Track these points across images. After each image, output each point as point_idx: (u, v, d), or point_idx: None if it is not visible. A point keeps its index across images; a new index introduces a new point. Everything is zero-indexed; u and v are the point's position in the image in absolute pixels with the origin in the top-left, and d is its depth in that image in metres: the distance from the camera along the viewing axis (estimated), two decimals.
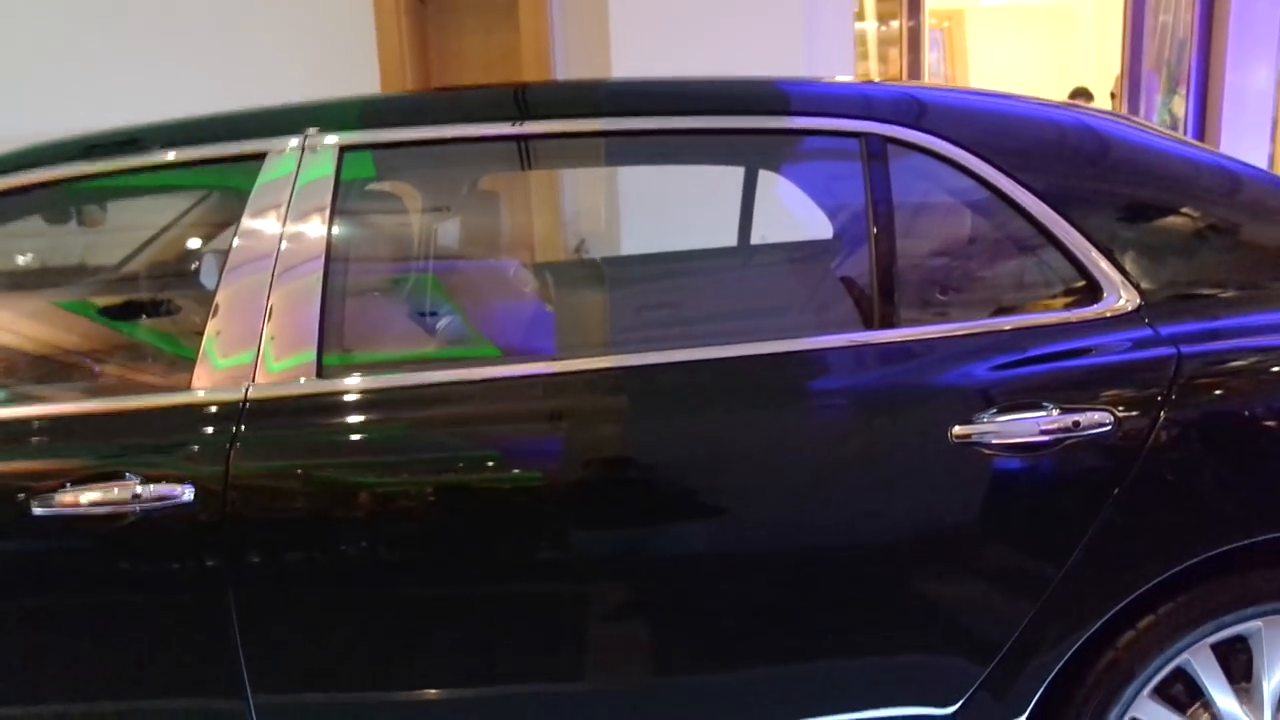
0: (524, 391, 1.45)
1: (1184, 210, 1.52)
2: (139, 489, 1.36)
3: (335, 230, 1.50)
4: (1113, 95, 6.54)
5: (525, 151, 1.73)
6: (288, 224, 1.48)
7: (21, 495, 1.37)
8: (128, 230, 2.06)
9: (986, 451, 1.35)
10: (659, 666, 1.45)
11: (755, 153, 1.96)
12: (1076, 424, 1.34)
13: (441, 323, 1.82)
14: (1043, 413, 1.35)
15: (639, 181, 2.62)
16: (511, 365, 1.50)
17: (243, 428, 1.40)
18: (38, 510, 1.36)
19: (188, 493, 1.36)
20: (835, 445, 1.40)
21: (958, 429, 1.35)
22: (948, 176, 1.49)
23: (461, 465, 1.41)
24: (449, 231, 2.09)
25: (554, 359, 1.59)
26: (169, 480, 1.37)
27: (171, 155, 1.54)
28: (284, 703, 1.44)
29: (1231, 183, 1.56)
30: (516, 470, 1.40)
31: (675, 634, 1.44)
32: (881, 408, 1.42)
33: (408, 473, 1.41)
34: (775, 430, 1.41)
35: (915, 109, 1.53)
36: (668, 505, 1.41)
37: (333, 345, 1.48)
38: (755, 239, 2.20)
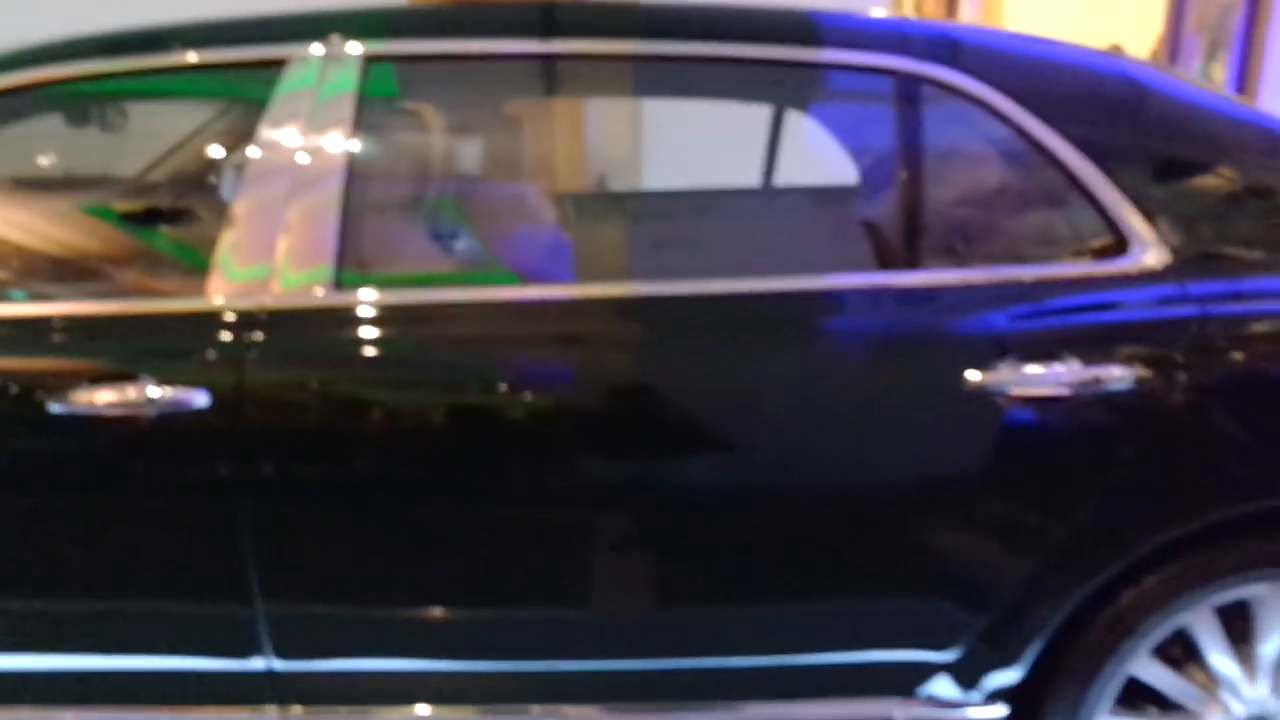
0: (536, 315, 1.45)
1: (1222, 169, 1.49)
2: (154, 392, 1.37)
3: (356, 146, 1.48)
4: (1152, 57, 6.39)
5: (551, 74, 1.70)
6: (307, 137, 1.46)
7: (40, 392, 1.38)
8: (148, 135, 2.04)
9: (1001, 401, 1.34)
10: (663, 598, 1.46)
11: (783, 87, 1.92)
12: (1096, 379, 1.33)
13: (460, 245, 1.81)
14: (1062, 365, 1.34)
15: (665, 115, 2.58)
16: (526, 289, 1.50)
17: (259, 336, 1.40)
18: (55, 408, 1.37)
19: (202, 398, 1.37)
20: (848, 384, 1.39)
21: (973, 376, 1.34)
22: (982, 120, 1.46)
23: (472, 385, 1.41)
24: (471, 155, 2.07)
25: (568, 285, 1.59)
26: (184, 384, 1.38)
27: (192, 57, 1.51)
28: (292, 612, 1.46)
29: (1274, 144, 1.52)
30: (526, 393, 1.40)
31: (681, 567, 1.45)
32: (896, 349, 1.40)
33: (419, 389, 1.41)
34: (787, 366, 1.40)
35: (952, 48, 1.49)
36: (677, 436, 1.41)
37: (350, 261, 1.47)
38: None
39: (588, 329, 1.45)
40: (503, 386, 1.40)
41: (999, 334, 1.37)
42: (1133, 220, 1.40)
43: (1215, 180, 1.48)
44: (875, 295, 1.45)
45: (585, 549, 1.44)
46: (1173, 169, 1.47)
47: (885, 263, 1.54)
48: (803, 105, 1.99)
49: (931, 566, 1.42)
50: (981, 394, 1.34)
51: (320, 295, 1.42)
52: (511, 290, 1.47)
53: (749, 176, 2.28)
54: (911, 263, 1.48)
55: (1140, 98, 1.53)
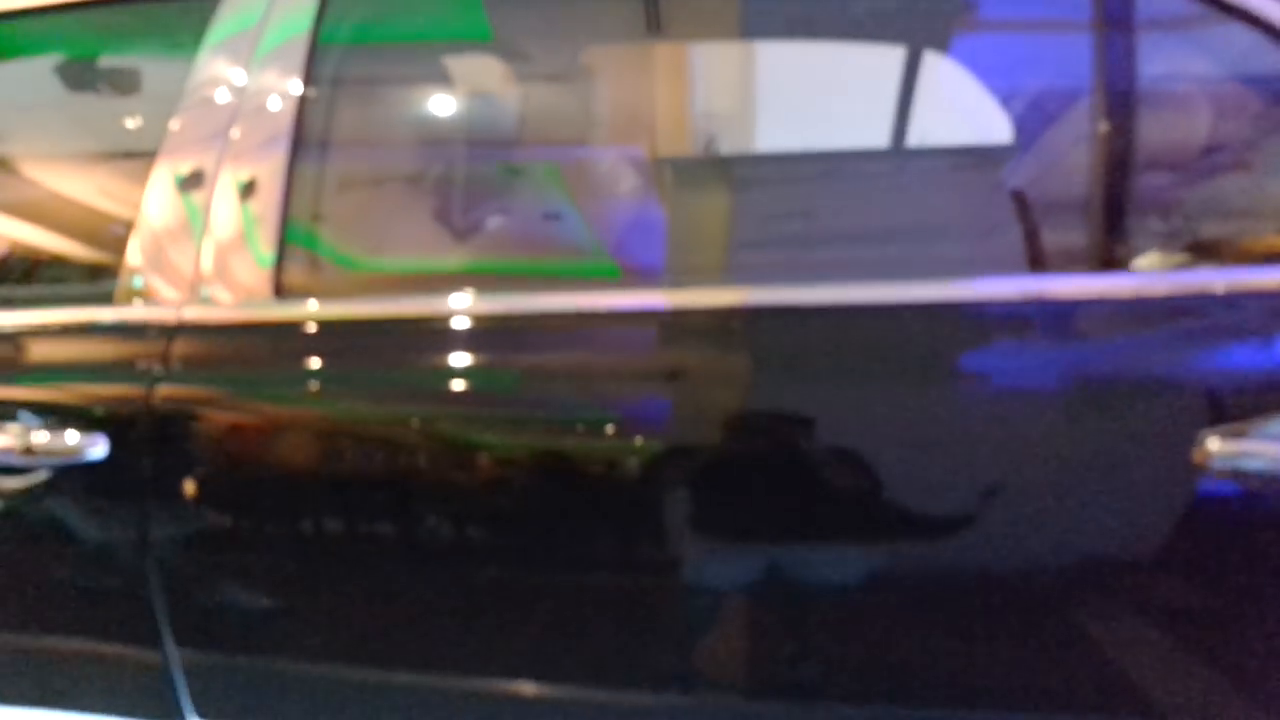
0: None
1: None
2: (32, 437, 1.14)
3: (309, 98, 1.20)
4: None
5: (645, 10, 1.35)
6: (248, 89, 1.18)
7: None
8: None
9: (1249, 482, 0.93)
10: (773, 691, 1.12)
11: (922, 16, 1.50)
12: None
13: (554, 222, 1.46)
14: None
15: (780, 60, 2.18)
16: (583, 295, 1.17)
17: (170, 363, 1.14)
18: None
19: (98, 447, 1.13)
20: (1017, 443, 1.00)
21: (1208, 445, 0.93)
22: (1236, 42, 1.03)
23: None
24: (547, 111, 1.72)
25: (655, 285, 1.25)
26: (74, 428, 1.14)
27: None
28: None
29: None
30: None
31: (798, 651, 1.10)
32: (1088, 396, 1.00)
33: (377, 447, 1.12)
34: (937, 411, 1.02)
35: None
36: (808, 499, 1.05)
37: (297, 258, 1.20)
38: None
39: (679, 358, 1.11)
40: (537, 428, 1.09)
41: (1251, 379, 0.96)
42: None
43: None
44: (1061, 310, 1.05)
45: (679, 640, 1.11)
46: None
47: (1074, 255, 1.13)
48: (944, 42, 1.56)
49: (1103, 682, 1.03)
50: (1217, 470, 0.93)
51: (250, 307, 1.15)
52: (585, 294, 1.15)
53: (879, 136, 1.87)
54: (1111, 257, 1.07)
55: None
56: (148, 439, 1.13)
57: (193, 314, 1.20)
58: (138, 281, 1.22)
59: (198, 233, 1.23)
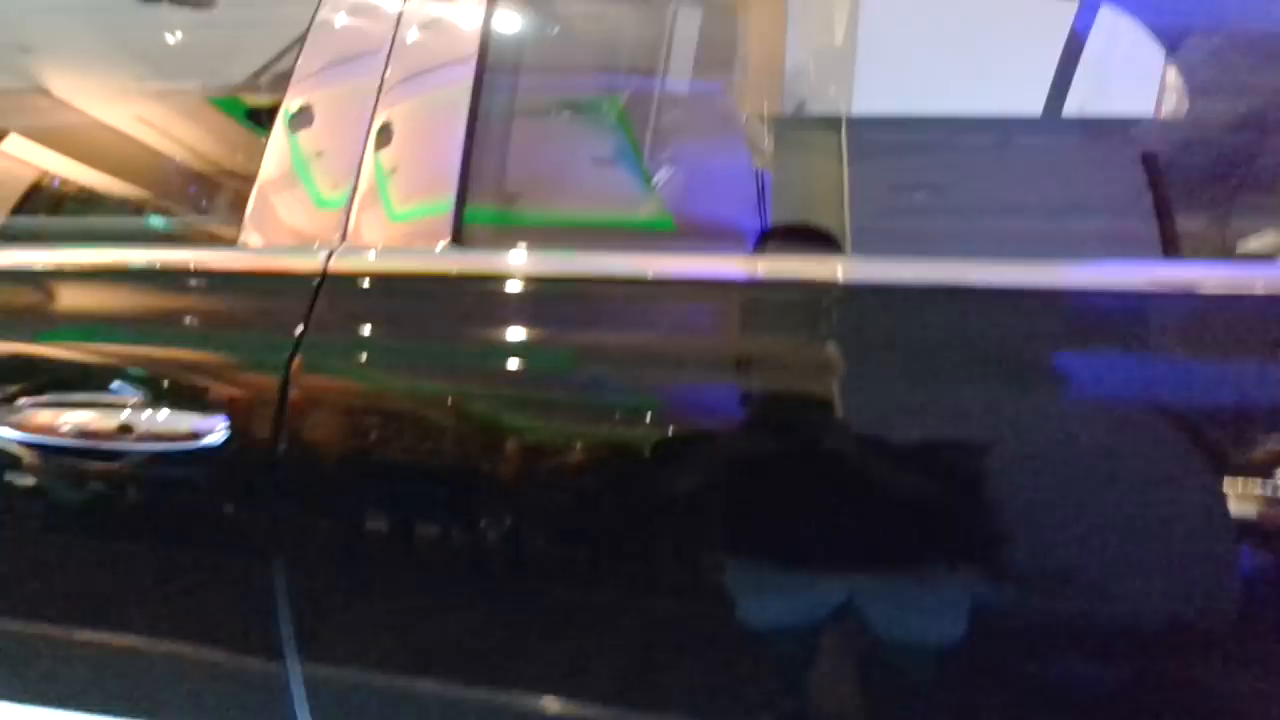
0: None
1: None
2: (139, 414, 0.96)
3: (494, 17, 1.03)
4: None
5: None
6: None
7: None
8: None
9: None
10: None
11: None
12: None
13: (660, 177, 1.29)
14: None
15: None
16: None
17: (313, 321, 0.94)
18: None
19: (219, 427, 0.93)
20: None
21: None
22: None
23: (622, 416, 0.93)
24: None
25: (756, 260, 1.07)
26: (183, 407, 0.96)
27: None
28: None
29: None
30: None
31: None
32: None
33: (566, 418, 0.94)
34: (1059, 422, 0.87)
35: None
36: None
37: (485, 195, 0.99)
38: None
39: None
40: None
41: None
42: None
43: None
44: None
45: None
46: None
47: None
48: None
49: None
50: None
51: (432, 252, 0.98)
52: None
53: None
54: None
55: None
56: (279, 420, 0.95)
57: (345, 263, 1.01)
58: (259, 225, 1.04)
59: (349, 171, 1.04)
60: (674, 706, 0.96)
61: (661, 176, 1.29)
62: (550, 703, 1.00)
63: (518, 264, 1.03)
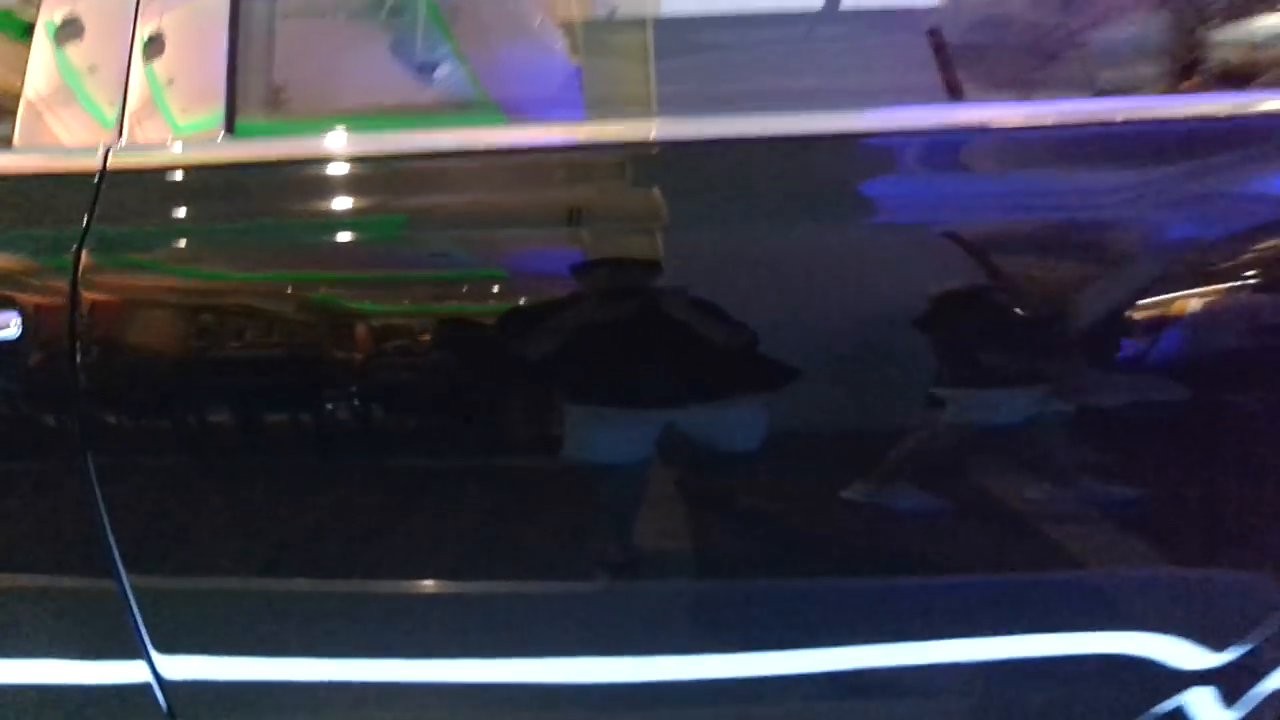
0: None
1: None
2: None
3: None
4: None
5: None
6: None
7: None
8: None
9: None
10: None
11: None
12: None
13: (440, 72, 1.28)
14: None
15: None
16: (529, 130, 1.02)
17: (98, 213, 0.92)
18: None
19: (12, 323, 0.89)
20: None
21: None
22: None
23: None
24: None
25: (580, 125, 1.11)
26: None
27: None
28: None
29: None
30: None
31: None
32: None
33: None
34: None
35: None
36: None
37: (251, 97, 1.01)
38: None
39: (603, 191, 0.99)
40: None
41: None
42: None
43: None
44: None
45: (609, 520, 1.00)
46: None
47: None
48: None
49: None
50: None
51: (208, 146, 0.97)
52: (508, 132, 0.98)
53: None
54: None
55: None
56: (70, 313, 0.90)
57: (125, 159, 0.95)
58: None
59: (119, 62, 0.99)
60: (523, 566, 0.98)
61: (443, 71, 1.29)
62: (387, 586, 1.00)
63: (291, 150, 1.01)
